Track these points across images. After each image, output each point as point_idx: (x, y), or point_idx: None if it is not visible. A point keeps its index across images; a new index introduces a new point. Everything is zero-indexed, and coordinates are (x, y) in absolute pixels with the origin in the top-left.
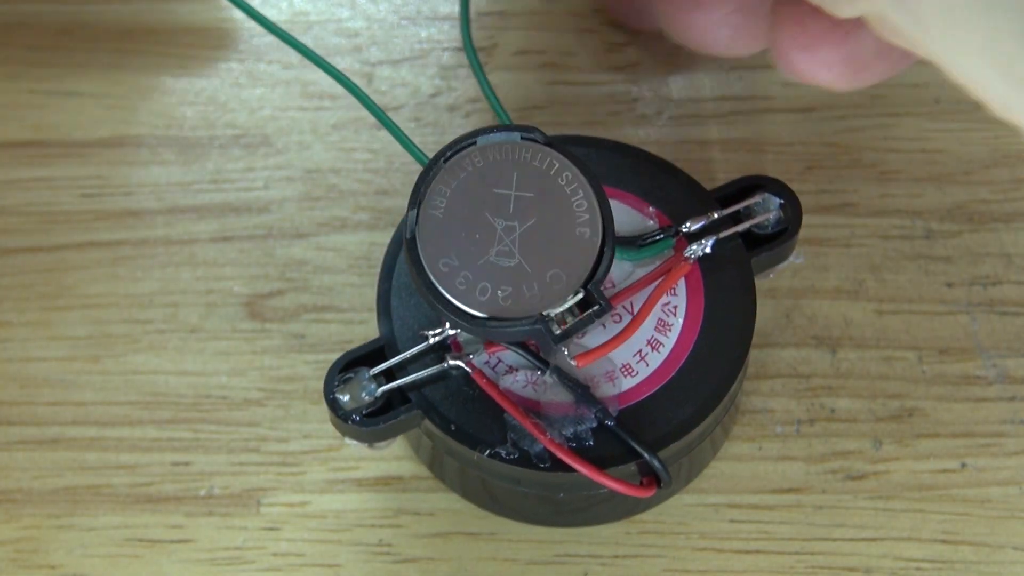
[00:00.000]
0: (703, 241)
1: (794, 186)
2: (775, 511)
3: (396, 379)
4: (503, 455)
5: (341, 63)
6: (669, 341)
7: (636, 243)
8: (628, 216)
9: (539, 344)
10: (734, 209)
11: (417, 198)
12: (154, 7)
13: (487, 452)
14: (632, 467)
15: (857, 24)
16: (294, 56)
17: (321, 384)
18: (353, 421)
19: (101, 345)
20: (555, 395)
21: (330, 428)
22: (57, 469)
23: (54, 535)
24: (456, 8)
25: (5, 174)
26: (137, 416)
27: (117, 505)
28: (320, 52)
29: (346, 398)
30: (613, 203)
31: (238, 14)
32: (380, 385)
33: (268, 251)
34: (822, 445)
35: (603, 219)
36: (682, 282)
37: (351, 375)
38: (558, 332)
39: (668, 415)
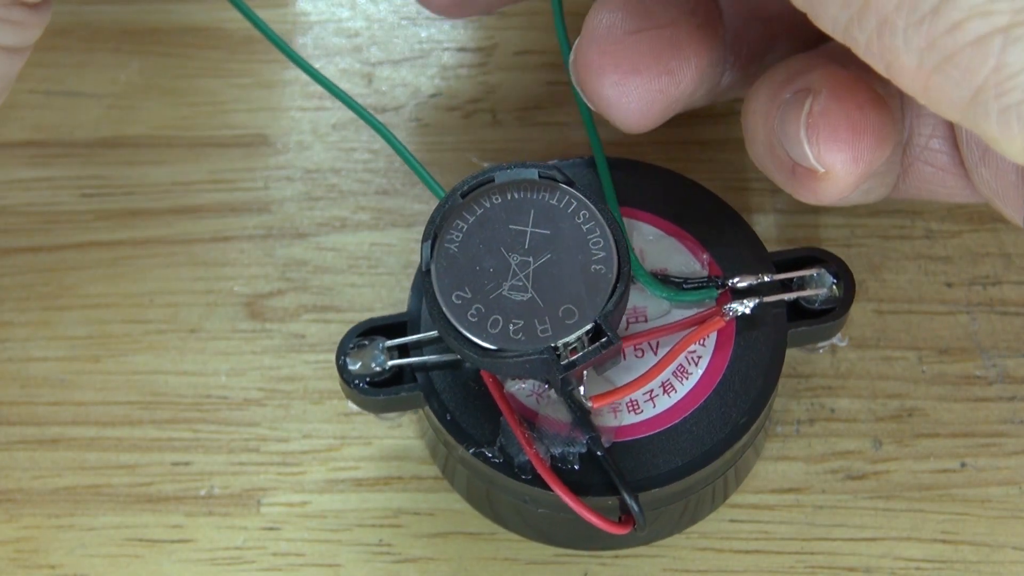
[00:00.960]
0: (746, 301)
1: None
2: (775, 511)
3: (409, 357)
4: (488, 456)
5: (341, 63)
6: (682, 389)
7: (681, 285)
8: (681, 257)
9: (549, 379)
10: (787, 276)
11: (432, 230)
12: (154, 7)
13: (473, 450)
14: (610, 501)
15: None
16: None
17: (321, 384)
18: (355, 386)
19: (101, 345)
20: (554, 411)
21: (330, 428)
22: (57, 469)
23: (54, 535)
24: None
25: (5, 174)
26: (137, 416)
27: (117, 505)
28: (320, 52)
29: (357, 364)
30: (670, 241)
31: (238, 13)
32: (392, 358)
33: (268, 251)
34: (822, 445)
35: (619, 257)
36: (714, 334)
37: (366, 342)
38: (564, 362)
39: (659, 461)
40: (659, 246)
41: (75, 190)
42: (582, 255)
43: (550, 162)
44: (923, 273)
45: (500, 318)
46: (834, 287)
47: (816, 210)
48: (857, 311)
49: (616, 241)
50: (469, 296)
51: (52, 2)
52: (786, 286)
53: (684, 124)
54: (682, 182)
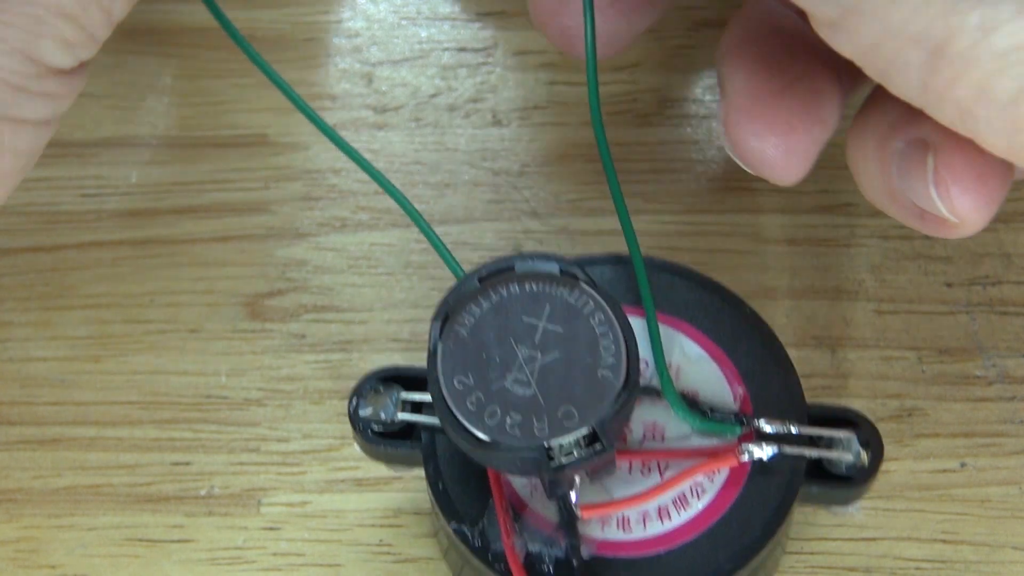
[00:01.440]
0: (767, 447)
1: (794, 186)
2: None
3: (421, 413)
4: (467, 536)
5: (341, 63)
6: (678, 519)
7: (707, 413)
8: (717, 385)
9: (540, 479)
10: (816, 432)
11: (444, 310)
12: (154, 7)
13: (455, 526)
14: None
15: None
16: (294, 56)
17: (321, 384)
18: (360, 431)
19: (101, 345)
20: (544, 508)
21: (330, 428)
22: (57, 469)
23: (54, 535)
24: (456, 8)
25: None
26: (137, 416)
27: (117, 505)
28: (320, 52)
29: (368, 409)
30: (710, 364)
31: (238, 13)
32: (404, 411)
33: (268, 251)
34: None
35: (628, 367)
36: (725, 471)
37: (382, 388)
38: (555, 464)
39: None
40: (697, 367)
41: (75, 190)
42: (591, 358)
43: (590, 254)
44: (923, 273)
45: (498, 410)
46: (862, 455)
47: (816, 210)
48: (857, 311)
49: (628, 350)
50: (471, 383)
51: (87, 67)
52: (813, 442)
53: (683, 125)
54: (740, 306)
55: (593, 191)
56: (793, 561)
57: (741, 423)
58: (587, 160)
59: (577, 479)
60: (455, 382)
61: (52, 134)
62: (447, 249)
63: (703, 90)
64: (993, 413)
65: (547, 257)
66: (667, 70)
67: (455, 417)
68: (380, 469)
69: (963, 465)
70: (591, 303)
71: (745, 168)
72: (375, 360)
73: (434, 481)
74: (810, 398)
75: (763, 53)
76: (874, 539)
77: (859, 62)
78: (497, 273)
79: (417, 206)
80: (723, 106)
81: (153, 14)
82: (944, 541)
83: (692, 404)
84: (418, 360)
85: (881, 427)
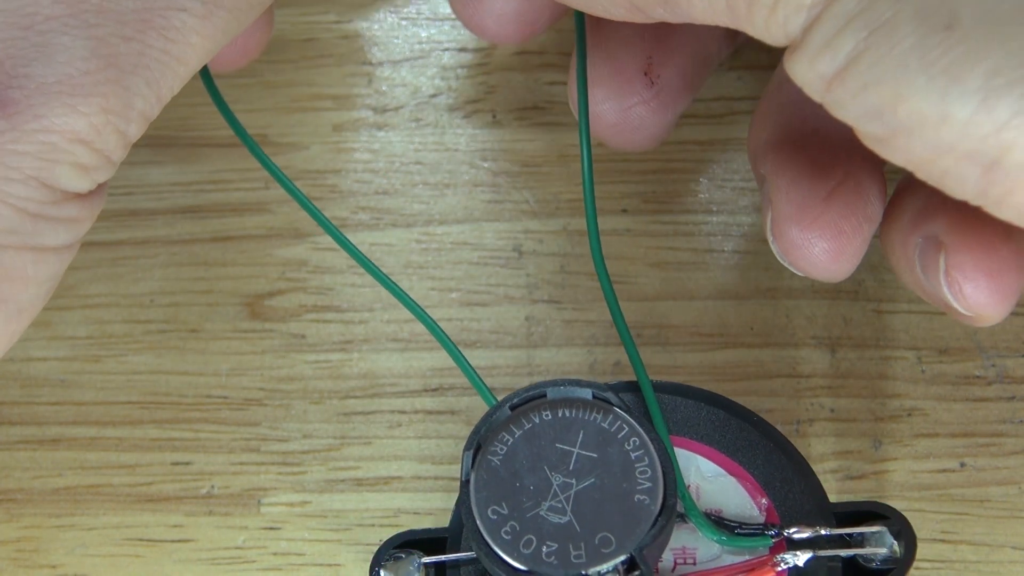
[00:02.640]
0: (800, 553)
1: None
2: None
3: (444, 575)
4: None
5: (341, 63)
6: None
7: (735, 529)
8: (739, 499)
9: None
10: (847, 532)
11: (476, 440)
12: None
13: None
14: None
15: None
16: (294, 56)
17: (321, 384)
18: None
19: (102, 345)
20: None
21: (330, 428)
22: (57, 469)
23: (54, 535)
24: None
25: None
26: (137, 416)
27: (117, 505)
28: (320, 52)
29: None
30: (729, 480)
31: None
32: (427, 575)
33: (268, 251)
34: (822, 445)
35: (665, 490)
36: None
37: (403, 555)
38: None
39: None
40: (716, 485)
41: None
42: (627, 483)
43: (602, 383)
44: None
45: (534, 538)
46: (895, 547)
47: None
48: (857, 311)
49: (665, 473)
50: (506, 512)
51: (106, 188)
52: (844, 541)
53: (683, 125)
54: (748, 416)
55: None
56: None
57: (771, 535)
58: None
59: None
60: (489, 512)
61: (72, 258)
62: (480, 378)
63: (703, 90)
64: (993, 413)
65: (580, 383)
66: None
67: (490, 547)
68: (380, 469)
69: (963, 465)
70: (626, 427)
71: (792, 270)
72: (375, 360)
73: None
74: (810, 397)
75: (804, 156)
76: None
77: (911, 169)
78: (529, 400)
79: (418, 207)
80: (769, 212)
81: None
82: (944, 541)
83: (718, 523)
84: (415, 356)
85: (881, 427)
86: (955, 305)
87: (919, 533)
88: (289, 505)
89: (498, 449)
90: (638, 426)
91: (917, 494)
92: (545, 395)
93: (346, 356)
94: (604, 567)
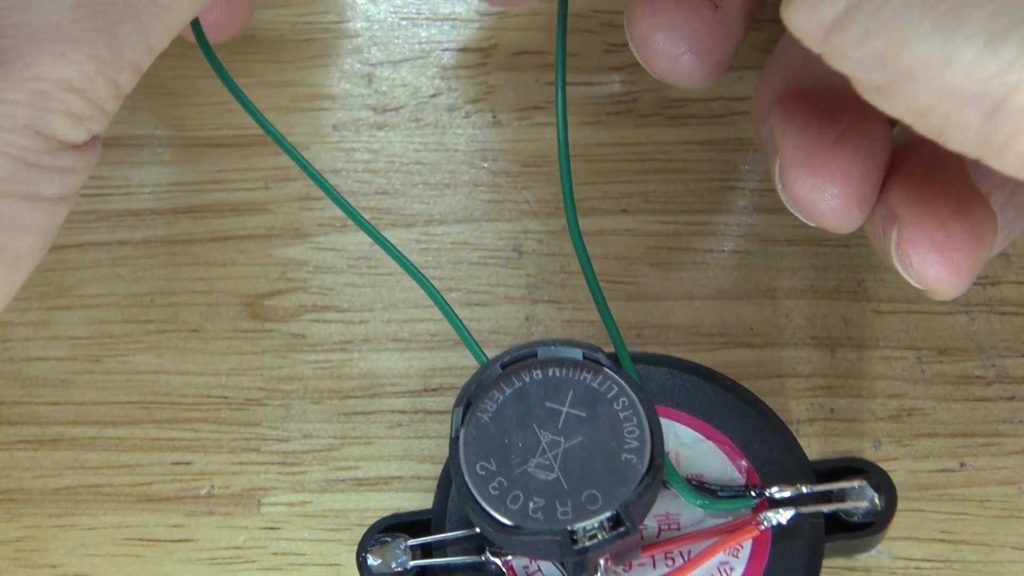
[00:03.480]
0: (783, 511)
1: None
2: None
3: (432, 557)
4: None
5: (341, 63)
6: None
7: (716, 492)
8: (719, 463)
9: (563, 564)
10: (827, 488)
11: (466, 397)
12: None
13: None
14: None
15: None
16: (294, 56)
17: (321, 384)
18: None
19: (102, 345)
20: None
21: (330, 428)
22: (58, 469)
23: (55, 535)
24: (457, 8)
25: None
26: (137, 416)
27: (117, 505)
28: (320, 52)
29: (377, 562)
30: (708, 445)
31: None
32: (414, 558)
33: (268, 251)
34: (822, 445)
35: (652, 449)
36: (748, 544)
37: (389, 539)
38: (579, 547)
39: None
40: (696, 450)
41: None
42: (615, 442)
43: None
44: None
45: (521, 494)
46: (875, 500)
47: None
48: (857, 311)
49: (652, 433)
50: (494, 468)
51: (100, 140)
52: (826, 497)
53: (683, 125)
54: (724, 382)
55: (593, 191)
56: None
57: (752, 495)
58: (587, 160)
59: (602, 563)
60: (478, 468)
61: (68, 210)
62: (470, 334)
63: (703, 90)
64: (992, 413)
65: (570, 343)
66: None
67: (478, 502)
68: (380, 469)
69: (963, 465)
70: (615, 388)
71: (803, 219)
72: (375, 360)
73: None
74: (810, 397)
75: (812, 104)
76: None
77: (909, 122)
78: (520, 359)
79: (418, 206)
80: (778, 161)
81: None
82: (944, 541)
83: (700, 488)
84: (415, 356)
85: (881, 427)
86: (907, 278)
87: (919, 533)
88: (289, 505)
89: (488, 406)
90: (627, 387)
91: (917, 494)
92: (536, 354)
93: (346, 356)
94: (589, 523)
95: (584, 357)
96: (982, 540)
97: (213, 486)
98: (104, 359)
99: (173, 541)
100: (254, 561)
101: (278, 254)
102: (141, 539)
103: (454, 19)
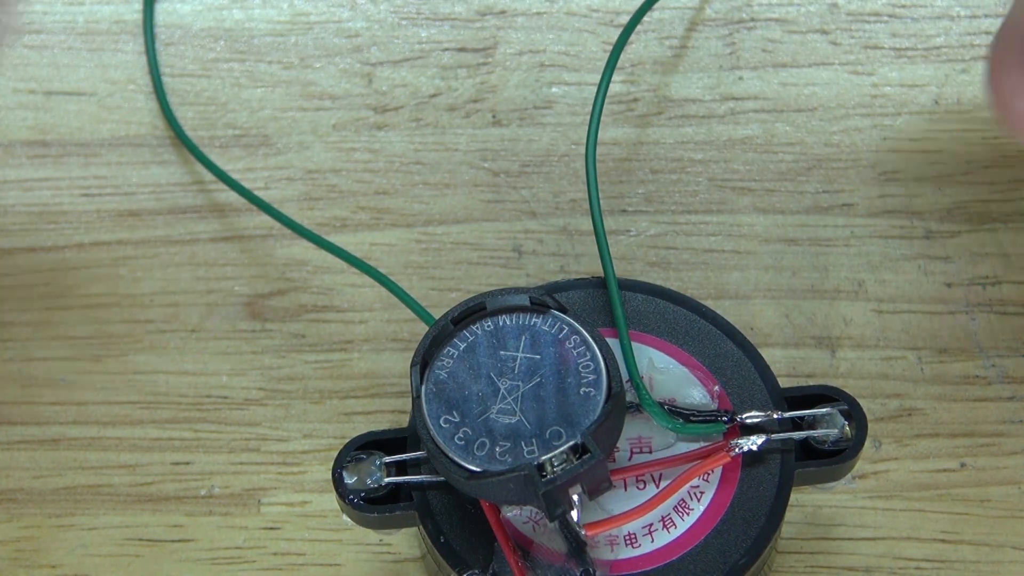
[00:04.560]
0: (754, 437)
1: (793, 186)
2: None
3: (407, 475)
4: None
5: (341, 63)
6: (683, 525)
7: (688, 417)
8: (692, 388)
9: (538, 503)
10: (798, 414)
11: (421, 356)
12: (154, 7)
13: (465, 574)
14: None
15: None
16: (294, 56)
17: (321, 384)
18: (350, 501)
19: (102, 345)
20: (550, 541)
21: (330, 428)
22: (58, 469)
23: (55, 535)
24: (457, 8)
25: (5, 174)
26: (138, 416)
27: (118, 505)
28: (320, 52)
29: (353, 478)
30: (682, 371)
31: (238, 14)
32: (389, 475)
33: (268, 251)
34: None
35: (608, 379)
36: (719, 469)
37: (364, 456)
38: (548, 478)
39: None
40: (669, 375)
41: (75, 190)
42: (572, 378)
43: (556, 281)
44: (923, 273)
45: (487, 441)
46: (846, 428)
47: (816, 210)
48: (857, 311)
49: (607, 363)
50: (457, 420)
51: None
52: (797, 424)
53: (683, 125)
54: (698, 308)
55: None
56: (793, 561)
57: (724, 420)
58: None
59: (575, 497)
60: (441, 422)
61: None
62: (412, 298)
63: (703, 90)
64: (993, 413)
65: (517, 291)
66: (667, 70)
67: (445, 454)
68: None
69: (963, 465)
70: (565, 327)
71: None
72: (375, 360)
73: (435, 537)
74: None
75: None
76: (874, 539)
77: None
78: (470, 313)
79: (417, 207)
80: (1002, 109)
81: (155, 15)
82: (944, 541)
83: (672, 411)
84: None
85: (881, 427)
86: None
87: (919, 533)
88: (289, 505)
89: (444, 363)
90: (577, 324)
91: (917, 494)
92: (484, 306)
93: (346, 356)
94: (555, 454)
95: (531, 302)
96: (982, 540)
97: (213, 486)
98: (104, 359)
99: (173, 541)
100: (254, 561)
101: (278, 254)
102: (141, 539)
103: (454, 19)
